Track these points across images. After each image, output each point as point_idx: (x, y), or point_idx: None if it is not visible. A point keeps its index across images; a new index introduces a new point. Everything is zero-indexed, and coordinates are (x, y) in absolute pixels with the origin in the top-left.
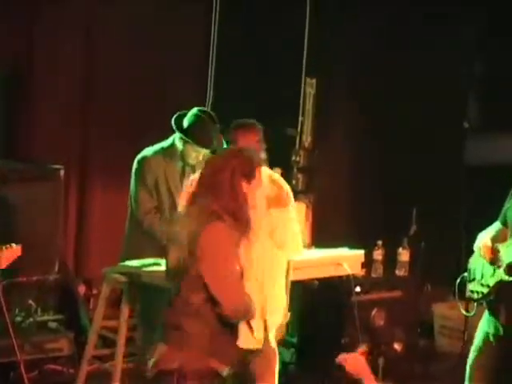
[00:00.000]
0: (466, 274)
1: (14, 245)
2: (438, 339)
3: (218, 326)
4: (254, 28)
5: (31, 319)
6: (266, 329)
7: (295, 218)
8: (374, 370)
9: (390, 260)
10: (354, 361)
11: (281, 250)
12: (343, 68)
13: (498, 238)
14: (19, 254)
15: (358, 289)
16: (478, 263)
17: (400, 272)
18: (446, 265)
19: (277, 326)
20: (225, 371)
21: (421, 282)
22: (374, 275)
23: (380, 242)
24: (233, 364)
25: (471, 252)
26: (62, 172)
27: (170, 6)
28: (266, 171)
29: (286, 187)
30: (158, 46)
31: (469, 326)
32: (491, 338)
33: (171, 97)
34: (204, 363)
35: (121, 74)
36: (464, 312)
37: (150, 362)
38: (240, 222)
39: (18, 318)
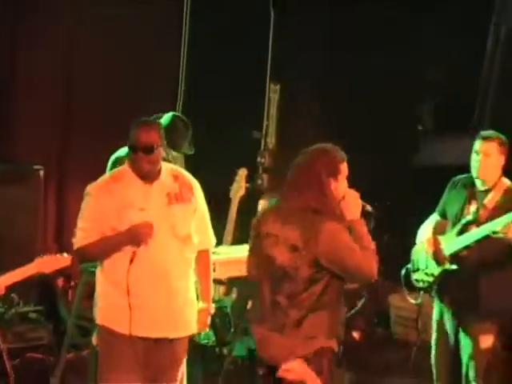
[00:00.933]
0: (409, 265)
1: (65, 254)
2: (394, 328)
3: (334, 309)
4: (223, 36)
5: (13, 310)
6: None
7: (203, 210)
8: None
9: None
10: (295, 367)
11: (184, 244)
12: (306, 73)
13: (437, 231)
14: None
15: None
16: (421, 254)
17: None
18: (399, 259)
19: None
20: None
21: (378, 275)
22: None
23: None
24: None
25: None
26: (41, 172)
27: (143, 13)
28: (168, 168)
29: (190, 181)
30: (131, 50)
31: (422, 315)
32: (443, 325)
33: (145, 99)
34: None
35: (98, 76)
36: (412, 300)
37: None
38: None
39: (1, 310)
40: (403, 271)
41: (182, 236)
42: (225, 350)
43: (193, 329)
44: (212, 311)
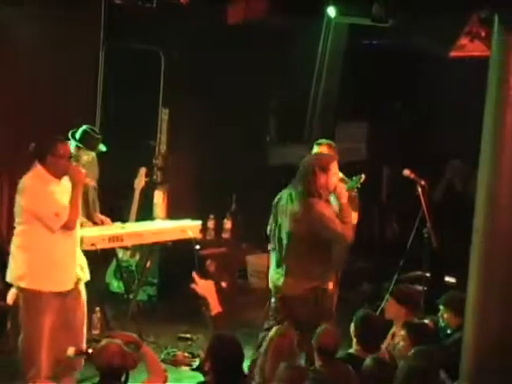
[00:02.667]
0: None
1: None
2: (250, 279)
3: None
4: (130, 72)
5: None
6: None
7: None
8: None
9: (219, 227)
10: (204, 285)
11: None
12: (187, 102)
13: None
14: None
15: (197, 246)
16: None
17: (225, 235)
18: (254, 230)
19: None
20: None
21: (238, 242)
22: (208, 238)
23: (212, 215)
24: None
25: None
26: None
27: (67, 27)
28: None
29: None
30: (54, 66)
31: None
32: None
33: (67, 115)
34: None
35: (25, 87)
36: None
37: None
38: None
39: None
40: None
41: None
42: (131, 296)
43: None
44: None
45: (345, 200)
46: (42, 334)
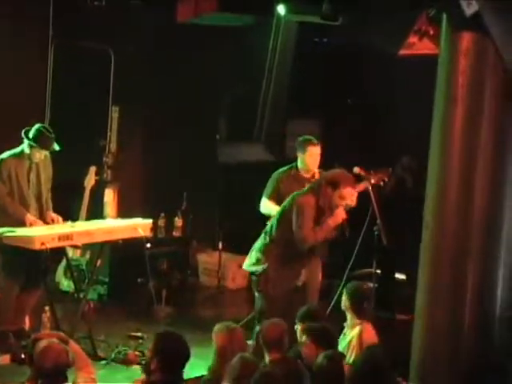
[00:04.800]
0: None
1: None
2: (201, 277)
3: None
4: (83, 63)
5: None
6: None
7: None
8: (159, 298)
9: (169, 226)
10: None
11: None
12: (137, 99)
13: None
14: None
15: (148, 245)
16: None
17: (176, 233)
18: (205, 229)
19: None
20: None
21: (189, 240)
22: (159, 236)
23: (163, 214)
24: None
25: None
26: None
27: (15, 24)
28: None
29: None
30: (2, 64)
31: (222, 267)
32: None
33: (13, 110)
34: None
35: None
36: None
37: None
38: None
39: None
40: None
41: None
42: (81, 295)
43: None
44: None
45: (333, 224)
46: None
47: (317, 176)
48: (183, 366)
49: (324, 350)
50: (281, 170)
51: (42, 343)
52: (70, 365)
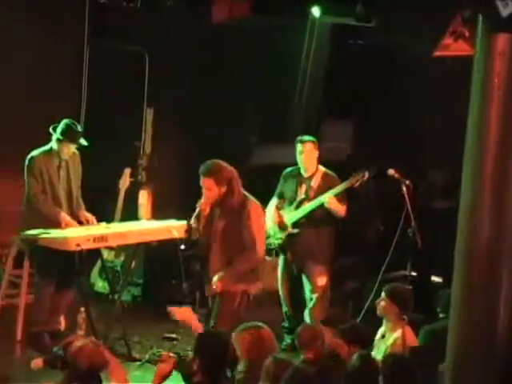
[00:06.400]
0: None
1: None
2: None
3: None
4: (118, 64)
5: None
6: None
7: None
8: (193, 299)
9: None
10: (182, 312)
11: None
12: (171, 101)
13: (278, 208)
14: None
15: (182, 246)
16: (270, 226)
17: None
18: None
19: None
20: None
21: None
22: (193, 238)
23: None
24: None
25: None
26: None
27: (52, 25)
28: None
29: None
30: (39, 65)
31: None
32: (287, 273)
33: (48, 111)
34: None
35: (13, 89)
36: (268, 258)
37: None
38: None
39: None
40: None
41: None
42: (115, 296)
43: None
44: None
45: None
46: None
47: (318, 176)
48: (224, 366)
49: (357, 348)
50: (289, 169)
51: (77, 344)
52: (106, 366)
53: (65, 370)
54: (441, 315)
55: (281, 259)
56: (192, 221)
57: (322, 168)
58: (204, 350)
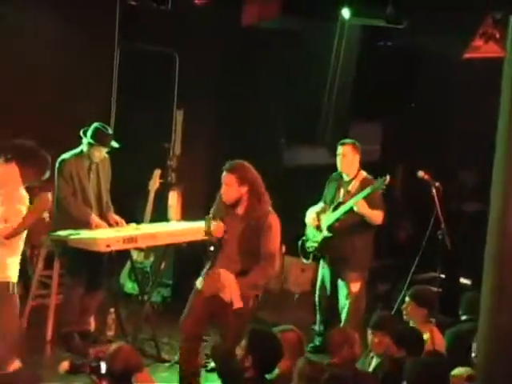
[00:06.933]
0: (304, 237)
1: None
2: None
3: None
4: (148, 66)
5: None
6: None
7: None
8: None
9: None
10: (228, 278)
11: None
12: (201, 102)
13: (321, 212)
14: None
15: (212, 248)
16: (310, 229)
17: None
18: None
19: None
20: None
21: None
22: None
23: None
24: None
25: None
26: None
27: (82, 27)
28: None
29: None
30: (70, 67)
31: (285, 271)
32: (324, 276)
33: (78, 112)
34: None
35: (44, 92)
36: (304, 261)
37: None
38: None
39: None
40: (300, 242)
41: None
42: (145, 297)
43: None
44: None
45: None
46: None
47: (357, 180)
48: (276, 364)
49: (406, 351)
50: (334, 173)
51: (113, 346)
52: (140, 368)
53: (93, 374)
54: (463, 317)
55: (321, 264)
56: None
57: (363, 173)
58: (258, 347)
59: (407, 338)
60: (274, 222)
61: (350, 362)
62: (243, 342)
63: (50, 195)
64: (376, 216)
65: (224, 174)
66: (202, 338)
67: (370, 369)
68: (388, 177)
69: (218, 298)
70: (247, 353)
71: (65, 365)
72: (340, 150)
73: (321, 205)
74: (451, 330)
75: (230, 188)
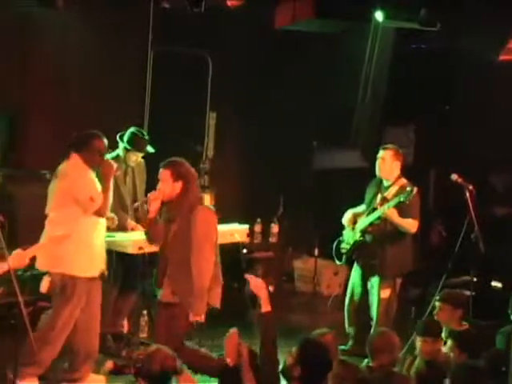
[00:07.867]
0: (341, 238)
1: None
2: (296, 283)
3: None
4: (181, 68)
5: (28, 273)
6: None
7: None
8: (254, 303)
9: (266, 231)
10: (257, 283)
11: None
12: (234, 106)
13: (359, 214)
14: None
15: (244, 250)
16: (347, 230)
17: (272, 239)
18: (301, 235)
19: None
20: None
21: (285, 246)
22: (255, 241)
23: (259, 220)
24: None
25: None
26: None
27: (116, 30)
28: None
29: None
30: (104, 69)
31: (317, 273)
32: (355, 280)
33: (112, 114)
34: None
35: (73, 89)
36: (338, 262)
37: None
38: None
39: (19, 272)
40: (336, 242)
41: None
42: None
43: None
44: None
45: None
46: (72, 321)
47: (396, 187)
48: (325, 375)
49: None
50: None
51: (150, 348)
52: (178, 371)
53: (135, 375)
54: None
55: (354, 267)
56: (135, 205)
57: (403, 180)
58: (308, 358)
59: (470, 342)
60: (202, 213)
61: (389, 366)
62: (294, 350)
63: (113, 162)
64: (408, 224)
65: (160, 170)
66: None
67: (412, 372)
68: (416, 188)
69: None
70: (296, 362)
71: (109, 364)
72: (381, 153)
73: (362, 207)
74: (502, 330)
75: (164, 183)
